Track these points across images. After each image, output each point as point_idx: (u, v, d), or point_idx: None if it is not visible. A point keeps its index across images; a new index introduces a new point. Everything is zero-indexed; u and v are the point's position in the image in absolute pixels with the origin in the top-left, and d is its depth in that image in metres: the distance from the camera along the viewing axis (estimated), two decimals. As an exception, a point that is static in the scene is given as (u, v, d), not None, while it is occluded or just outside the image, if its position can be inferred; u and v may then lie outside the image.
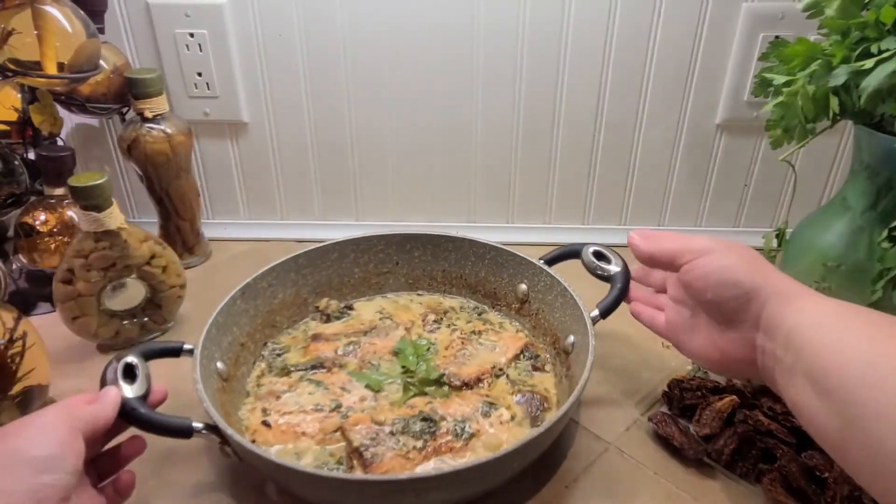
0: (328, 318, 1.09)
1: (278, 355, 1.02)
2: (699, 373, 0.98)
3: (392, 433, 0.84)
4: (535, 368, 0.99)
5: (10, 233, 1.15)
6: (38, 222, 1.14)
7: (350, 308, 1.12)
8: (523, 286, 1.08)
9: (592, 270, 1.01)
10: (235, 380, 0.94)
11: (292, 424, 0.87)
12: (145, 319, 1.10)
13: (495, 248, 1.11)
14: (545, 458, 0.87)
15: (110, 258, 1.03)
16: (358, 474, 0.66)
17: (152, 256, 1.08)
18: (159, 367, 0.86)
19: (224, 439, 0.76)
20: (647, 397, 0.99)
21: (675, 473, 0.86)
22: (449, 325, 1.08)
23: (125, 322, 1.09)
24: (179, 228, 1.31)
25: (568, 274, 1.01)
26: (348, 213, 1.45)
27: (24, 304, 1.19)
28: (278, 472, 0.72)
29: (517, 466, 0.78)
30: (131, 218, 1.44)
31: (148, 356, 0.83)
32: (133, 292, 1.08)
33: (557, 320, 1.01)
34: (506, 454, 0.71)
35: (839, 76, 0.83)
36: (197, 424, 0.76)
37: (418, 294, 1.17)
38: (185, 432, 0.75)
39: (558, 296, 1.01)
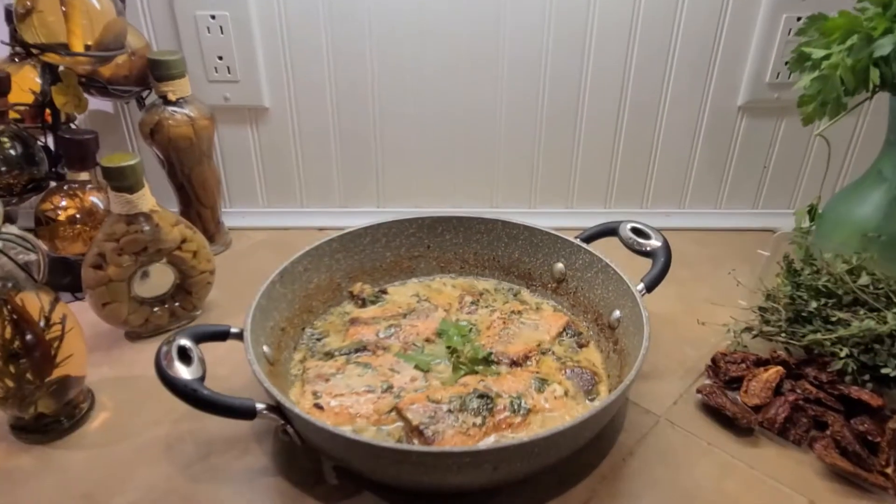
0: (363, 303, 1.08)
1: (318, 340, 1.00)
2: (740, 346, 0.99)
3: (450, 411, 0.83)
4: (580, 345, 0.99)
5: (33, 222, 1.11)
6: (58, 208, 1.10)
7: (384, 292, 1.11)
8: (560, 265, 1.08)
9: (631, 246, 1.01)
10: (280, 364, 0.92)
11: (345, 406, 0.86)
12: (176, 305, 1.08)
13: (529, 229, 1.10)
14: (599, 433, 0.87)
15: (142, 242, 1.00)
16: (437, 447, 0.65)
17: (183, 241, 1.05)
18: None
19: (287, 419, 0.74)
20: (690, 371, 0.99)
21: (728, 443, 0.87)
22: (487, 307, 1.08)
23: (156, 309, 1.06)
24: (200, 216, 1.28)
25: (606, 251, 1.01)
26: (370, 199, 1.44)
27: (44, 294, 1.15)
28: (349, 448, 0.70)
29: (582, 439, 0.78)
30: (144, 208, 1.40)
31: (197, 339, 0.81)
32: (163, 278, 1.06)
33: (599, 297, 1.01)
34: (574, 425, 0.71)
35: (884, 47, 0.84)
36: (260, 405, 0.74)
37: (451, 277, 1.16)
38: (248, 413, 0.73)
39: (599, 273, 1.01)
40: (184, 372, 0.74)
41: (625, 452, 0.85)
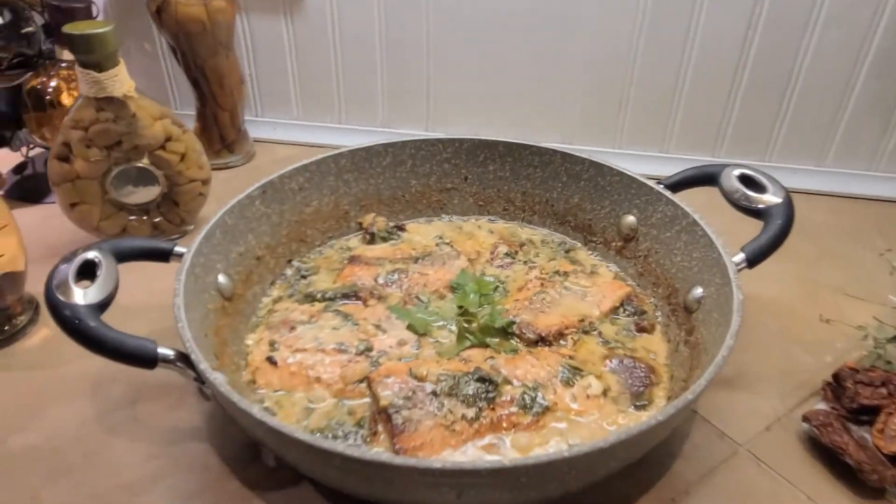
0: (372, 238, 0.86)
1: (303, 277, 0.80)
2: (882, 362, 0.68)
3: (435, 394, 0.60)
4: (640, 328, 0.72)
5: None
6: (48, 90, 0.96)
7: (401, 229, 0.88)
8: (631, 218, 0.80)
9: (737, 201, 0.72)
10: (243, 301, 0.73)
11: (305, 366, 0.65)
12: (158, 219, 0.91)
13: (597, 166, 0.83)
14: (648, 454, 0.62)
15: (114, 133, 0.83)
16: (373, 450, 0.43)
17: (168, 139, 0.87)
18: (151, 273, 0.66)
19: (200, 376, 0.55)
20: (799, 387, 0.70)
21: (841, 503, 0.58)
22: (526, 262, 0.83)
23: (132, 218, 0.90)
24: (217, 119, 1.10)
25: (696, 206, 0.73)
26: (418, 120, 1.20)
27: (34, 189, 1.03)
28: (262, 432, 0.50)
29: (611, 466, 0.53)
30: (174, 109, 1.25)
31: (123, 255, 0.62)
32: (146, 183, 0.89)
33: (677, 266, 0.73)
34: (597, 450, 0.46)
35: None
36: (165, 351, 0.55)
37: (489, 220, 0.92)
38: (146, 359, 0.54)
39: (682, 232, 0.73)
40: (77, 295, 0.55)
41: (679, 489, 0.60)
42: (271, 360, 0.66)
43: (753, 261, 0.66)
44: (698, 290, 0.69)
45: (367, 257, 0.82)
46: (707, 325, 0.64)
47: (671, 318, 0.72)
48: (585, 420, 0.61)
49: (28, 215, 0.96)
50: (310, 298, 0.75)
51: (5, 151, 1.05)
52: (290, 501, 0.58)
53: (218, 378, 0.52)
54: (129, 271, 0.63)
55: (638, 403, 0.63)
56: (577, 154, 0.84)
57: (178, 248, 0.66)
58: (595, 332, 0.71)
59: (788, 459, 0.62)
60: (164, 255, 0.65)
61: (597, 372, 0.65)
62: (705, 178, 0.77)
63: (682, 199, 0.75)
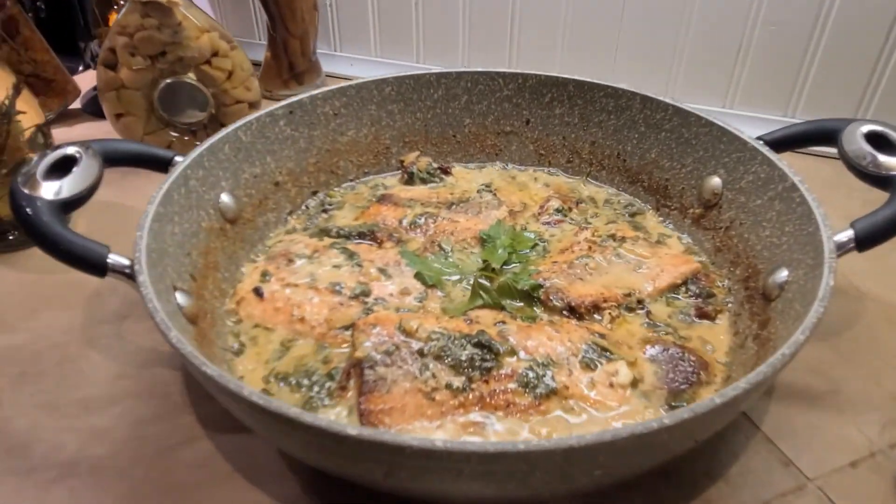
0: (410, 178, 0.77)
1: (324, 211, 0.72)
2: None
3: (421, 353, 0.50)
4: (702, 314, 0.58)
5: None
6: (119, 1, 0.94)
7: (445, 171, 0.78)
8: (716, 180, 0.65)
9: (861, 166, 0.55)
10: (252, 227, 0.67)
11: (292, 302, 0.58)
12: (201, 136, 0.87)
13: (682, 113, 0.68)
14: (681, 470, 0.48)
15: (158, 42, 0.79)
16: (310, 415, 0.34)
17: (214, 54, 0.83)
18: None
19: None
20: (908, 416, 0.53)
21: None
22: (577, 222, 0.70)
23: (176, 135, 0.86)
24: (287, 46, 1.05)
25: (800, 169, 0.56)
26: (500, 61, 1.08)
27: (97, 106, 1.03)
28: (200, 378, 0.42)
29: (618, 472, 0.41)
30: (257, 39, 1.21)
31: (112, 158, 0.58)
32: (194, 103, 0.85)
33: (764, 242, 0.58)
34: (600, 442, 0.35)
35: None
36: (118, 259, 0.49)
37: (549, 172, 0.79)
38: (94, 265, 0.49)
39: (776, 200, 0.57)
40: (44, 188, 0.51)
41: (714, 521, 0.46)
42: (258, 292, 0.59)
43: (865, 241, 0.49)
44: (783, 273, 0.53)
45: (398, 197, 0.73)
46: (785, 318, 0.49)
47: (744, 307, 0.57)
48: (601, 414, 0.49)
49: (97, 130, 0.95)
50: (323, 233, 0.68)
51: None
52: (237, 447, 0.51)
53: (157, 304, 0.45)
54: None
55: (674, 404, 0.49)
56: (661, 99, 0.69)
57: (179, 158, 0.60)
58: (642, 311, 0.58)
59: (875, 509, 0.46)
60: (161, 164, 0.60)
61: (631, 357, 0.52)
62: (821, 135, 0.60)
63: (785, 158, 0.59)
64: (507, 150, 0.80)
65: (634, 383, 0.50)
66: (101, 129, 0.93)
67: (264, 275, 0.60)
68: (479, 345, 0.51)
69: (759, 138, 0.62)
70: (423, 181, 0.77)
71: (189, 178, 0.59)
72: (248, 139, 0.66)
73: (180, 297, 0.51)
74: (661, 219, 0.71)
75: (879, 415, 0.53)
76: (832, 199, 0.54)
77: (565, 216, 0.70)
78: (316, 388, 0.51)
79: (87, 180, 0.54)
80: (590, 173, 0.77)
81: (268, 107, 0.68)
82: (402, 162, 0.79)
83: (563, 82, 0.75)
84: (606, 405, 0.49)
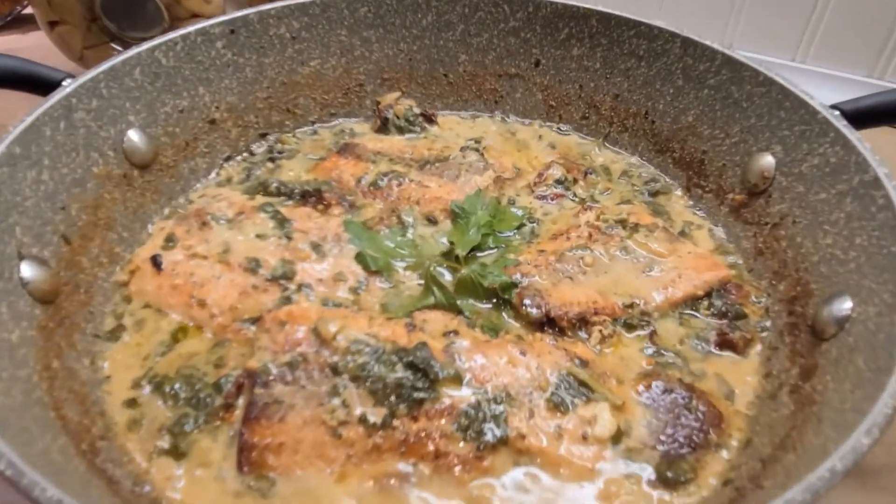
0: (384, 125, 0.62)
1: (272, 160, 0.59)
2: None
3: (335, 370, 0.38)
4: (725, 342, 0.43)
5: None
6: None
7: (429, 119, 0.63)
8: (768, 159, 0.49)
9: None
10: (170, 174, 0.54)
11: (195, 280, 0.45)
12: (154, 59, 0.74)
13: (734, 64, 0.52)
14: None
15: (92, -63, 0.65)
16: None
17: (165, -44, 0.68)
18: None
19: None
20: None
21: None
22: (580, 197, 0.55)
23: (121, 49, 0.73)
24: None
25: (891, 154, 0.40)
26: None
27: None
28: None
29: None
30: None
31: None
32: (143, 11, 0.71)
33: (824, 253, 0.42)
34: None
35: None
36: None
37: (559, 130, 0.63)
38: None
39: (849, 196, 0.42)
40: None
41: None
42: (156, 261, 0.46)
43: (978, 275, 0.34)
44: (846, 304, 0.38)
45: (363, 148, 0.59)
46: (839, 376, 0.35)
47: (784, 340, 0.42)
48: (563, 478, 0.36)
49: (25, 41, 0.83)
50: (261, 188, 0.54)
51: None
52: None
53: None
54: None
55: (669, 475, 0.36)
56: (708, 44, 0.52)
57: (70, 81, 0.47)
58: (646, 330, 0.44)
59: None
60: (45, 86, 0.47)
61: (618, 399, 0.38)
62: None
63: (867, 139, 0.42)
64: (510, 97, 0.65)
65: (617, 437, 0.37)
66: (35, 41, 0.80)
67: (169, 240, 0.48)
68: (412, 366, 0.38)
69: (834, 107, 0.46)
70: (400, 130, 0.62)
71: (74, 108, 0.46)
72: (171, 63, 0.53)
73: (27, 269, 0.39)
74: (690, 202, 0.55)
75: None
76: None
77: (568, 189, 0.55)
78: (195, 403, 0.39)
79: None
80: (608, 135, 0.61)
81: (199, 23, 0.54)
82: (377, 104, 0.64)
83: (584, 14, 0.59)
84: (574, 466, 0.36)
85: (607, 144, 0.61)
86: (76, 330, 0.41)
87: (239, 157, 0.59)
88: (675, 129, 0.57)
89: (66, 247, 0.44)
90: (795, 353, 0.40)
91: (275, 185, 0.55)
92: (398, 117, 0.63)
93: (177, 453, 0.37)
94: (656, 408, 0.39)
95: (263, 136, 0.61)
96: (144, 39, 0.72)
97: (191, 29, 0.54)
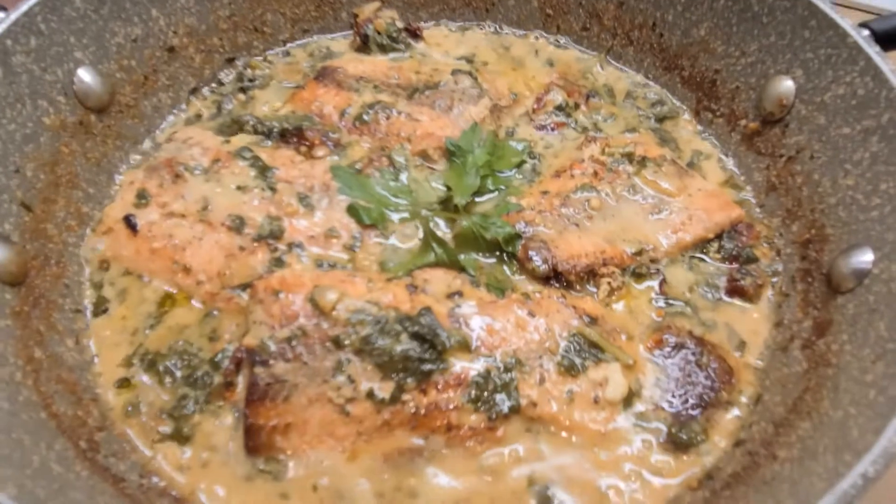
0: (365, 43, 0.56)
1: (243, 90, 0.53)
2: None
3: (337, 342, 0.36)
4: (735, 288, 0.42)
5: None
6: None
7: (415, 35, 0.57)
8: (788, 83, 0.46)
9: None
10: (133, 115, 0.49)
11: (175, 243, 0.42)
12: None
13: (757, -25, 0.46)
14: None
15: None
16: None
17: None
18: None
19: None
20: None
21: None
22: (583, 126, 0.51)
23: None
24: None
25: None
26: None
27: None
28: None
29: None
30: None
31: None
32: None
33: (844, 196, 0.41)
34: None
35: None
36: None
37: (556, 43, 0.58)
38: None
39: (876, 135, 0.39)
40: None
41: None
42: (130, 223, 0.43)
43: None
44: (866, 256, 0.37)
45: (345, 73, 0.53)
46: (859, 334, 0.34)
47: (795, 286, 0.41)
48: (576, 444, 0.36)
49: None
50: (236, 125, 0.50)
51: None
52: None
53: None
54: None
55: (682, 436, 0.36)
56: (726, -54, 0.47)
57: None
58: (654, 278, 0.42)
59: None
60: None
61: (628, 358, 0.38)
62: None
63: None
64: (503, 4, 0.59)
65: (629, 399, 0.37)
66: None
67: (141, 196, 0.44)
68: (417, 336, 0.36)
69: (864, 25, 0.41)
70: (383, 48, 0.56)
71: (11, 51, 0.40)
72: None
73: (-10, 251, 0.36)
74: (699, 128, 0.52)
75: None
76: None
77: (569, 116, 0.52)
78: (193, 382, 0.38)
79: None
80: (611, 48, 0.56)
81: (146, -67, 0.46)
82: (355, 17, 0.58)
83: None
84: (587, 432, 0.36)
85: (610, 60, 0.56)
86: (54, 308, 0.39)
87: (206, 89, 0.53)
88: (685, 43, 0.52)
89: (27, 215, 0.40)
90: (808, 303, 0.39)
91: (251, 122, 0.50)
92: (379, 33, 0.56)
93: (180, 437, 0.36)
94: (667, 366, 0.38)
95: (230, 60, 0.55)
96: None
97: (131, -61, 0.46)
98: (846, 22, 0.41)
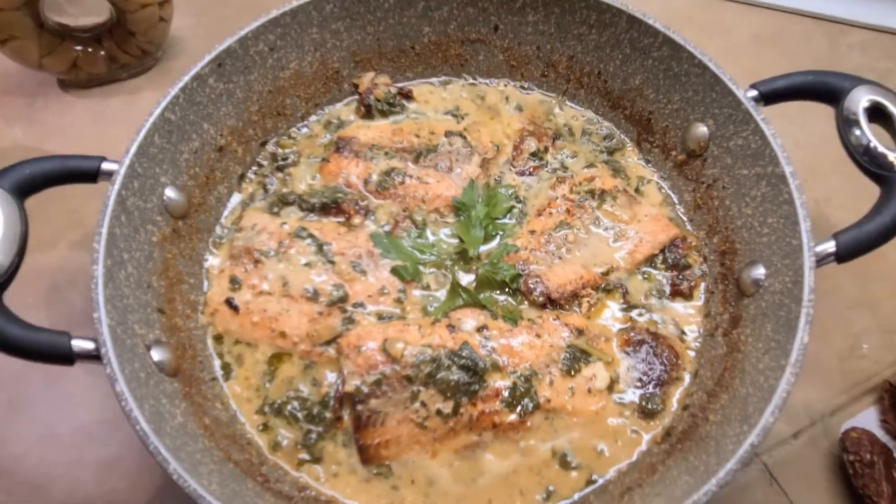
0: (368, 111, 0.68)
1: (280, 169, 0.66)
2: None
3: (409, 379, 0.52)
4: (676, 291, 0.59)
5: None
6: None
7: (407, 97, 0.70)
8: (702, 129, 0.60)
9: (855, 148, 0.52)
10: (204, 210, 0.61)
11: (269, 315, 0.57)
12: (115, 48, 0.74)
13: (674, 45, 0.60)
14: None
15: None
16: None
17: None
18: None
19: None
20: (856, 385, 0.59)
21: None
22: (554, 168, 0.66)
23: (79, 48, 0.73)
24: None
25: (812, 136, 0.53)
26: None
27: None
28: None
29: None
30: None
31: (27, 187, 0.50)
32: (88, 4, 0.71)
33: (745, 220, 0.57)
34: None
35: None
36: (82, 345, 0.46)
37: (522, 88, 0.71)
38: (60, 357, 0.46)
39: (763, 181, 0.55)
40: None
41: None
42: (231, 304, 0.57)
43: (846, 255, 0.49)
44: (760, 270, 0.53)
45: (358, 143, 0.66)
46: (756, 331, 0.51)
47: (718, 286, 0.58)
48: (578, 421, 0.53)
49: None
50: (283, 202, 0.63)
51: None
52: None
53: (126, 400, 0.44)
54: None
55: (648, 407, 0.54)
56: (650, 23, 0.60)
57: (107, 164, 0.52)
58: (619, 291, 0.59)
59: (808, 483, 0.54)
60: (90, 176, 0.53)
61: (607, 356, 0.55)
62: (819, 91, 0.55)
63: (781, 115, 0.54)
64: (474, 60, 0.71)
65: (611, 386, 0.54)
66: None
67: (233, 281, 0.58)
68: (464, 367, 0.52)
69: (754, 87, 0.56)
70: (384, 113, 0.69)
71: (126, 198, 0.52)
72: (178, 116, 0.57)
73: (156, 354, 0.50)
74: (641, 156, 0.67)
75: (818, 385, 0.59)
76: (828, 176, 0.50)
77: (542, 159, 0.66)
78: (312, 419, 0.53)
79: (13, 240, 0.47)
80: (567, 90, 0.70)
81: (190, 69, 0.57)
82: (356, 86, 0.70)
83: (538, -15, 0.64)
84: (586, 413, 0.53)
85: (567, 102, 0.70)
86: (200, 382, 0.53)
87: (250, 173, 0.65)
88: (624, 89, 0.66)
89: (163, 317, 0.54)
90: (726, 300, 0.56)
91: (295, 199, 0.63)
92: (379, 101, 0.69)
93: (314, 459, 0.52)
94: (635, 357, 0.56)
95: (263, 144, 0.67)
96: (94, 30, 0.73)
97: (185, 78, 0.57)
98: (740, 91, 0.56)
